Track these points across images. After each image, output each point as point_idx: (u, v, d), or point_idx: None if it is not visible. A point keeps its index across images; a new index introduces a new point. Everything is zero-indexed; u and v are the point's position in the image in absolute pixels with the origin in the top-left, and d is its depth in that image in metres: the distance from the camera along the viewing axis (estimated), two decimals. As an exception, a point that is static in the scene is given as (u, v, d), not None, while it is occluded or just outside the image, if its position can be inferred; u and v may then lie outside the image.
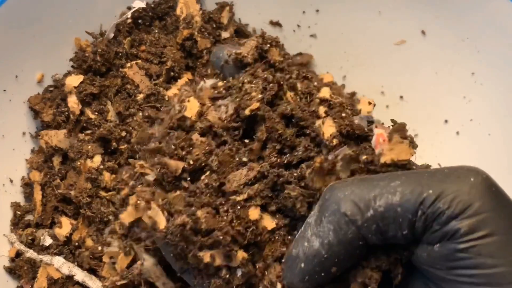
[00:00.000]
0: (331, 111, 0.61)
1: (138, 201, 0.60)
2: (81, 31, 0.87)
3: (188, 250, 0.57)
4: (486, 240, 0.47)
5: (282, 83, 0.63)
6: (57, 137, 0.82)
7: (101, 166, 0.81)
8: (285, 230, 0.59)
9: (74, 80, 0.83)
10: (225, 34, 0.88)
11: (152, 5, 0.89)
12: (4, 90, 0.83)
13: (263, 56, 0.67)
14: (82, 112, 0.83)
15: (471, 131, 0.84)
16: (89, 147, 0.81)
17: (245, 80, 0.63)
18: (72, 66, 0.86)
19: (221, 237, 0.55)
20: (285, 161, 0.59)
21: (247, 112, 0.60)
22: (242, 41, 0.68)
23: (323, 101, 0.63)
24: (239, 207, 0.57)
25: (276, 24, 0.90)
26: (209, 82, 0.66)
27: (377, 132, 0.57)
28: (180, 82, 0.84)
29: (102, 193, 0.79)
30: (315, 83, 0.66)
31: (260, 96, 0.61)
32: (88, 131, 0.83)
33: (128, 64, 0.85)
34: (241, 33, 0.90)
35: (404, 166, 0.56)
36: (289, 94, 0.63)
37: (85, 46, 0.86)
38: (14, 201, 0.83)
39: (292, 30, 0.90)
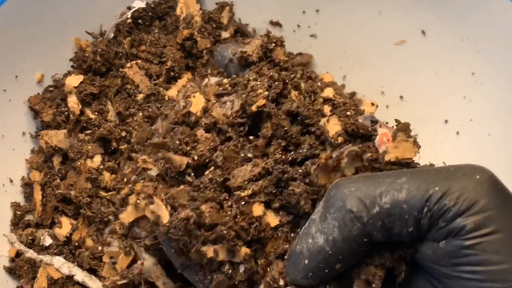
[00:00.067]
0: (336, 110, 0.62)
1: (138, 201, 0.60)
2: (81, 31, 0.86)
3: (191, 245, 0.57)
4: (492, 237, 0.48)
5: (287, 81, 0.63)
6: (57, 137, 0.82)
7: (101, 166, 0.80)
8: (288, 227, 0.59)
9: (74, 80, 0.83)
10: (225, 34, 0.88)
11: (152, 5, 0.89)
12: (4, 90, 0.82)
13: (268, 55, 0.67)
14: (82, 112, 0.83)
15: (471, 131, 0.84)
16: (89, 147, 0.81)
17: (251, 78, 0.63)
18: (72, 66, 0.86)
19: (225, 232, 0.56)
20: (290, 158, 0.59)
21: (253, 108, 0.61)
22: (246, 40, 0.69)
23: (326, 100, 0.63)
24: (243, 203, 0.57)
25: (276, 24, 0.90)
26: (214, 79, 0.66)
27: (381, 132, 0.57)
28: (180, 82, 0.84)
29: (102, 193, 0.79)
30: (319, 83, 0.66)
31: (266, 93, 0.61)
32: (88, 131, 0.83)
33: (128, 64, 0.85)
34: (241, 33, 0.90)
35: (408, 164, 0.56)
36: (293, 93, 0.63)
37: (85, 46, 0.86)
38: (14, 201, 0.83)
39: (292, 30, 0.90)
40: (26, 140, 0.86)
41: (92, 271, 0.77)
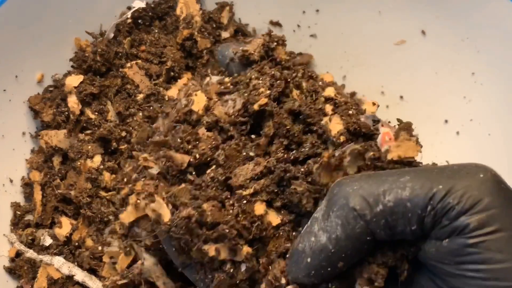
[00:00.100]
0: (337, 109, 0.62)
1: (138, 201, 0.60)
2: (81, 31, 0.86)
3: (192, 243, 0.57)
4: (495, 235, 0.48)
5: (289, 80, 0.63)
6: (57, 137, 0.82)
7: (101, 166, 0.80)
8: (290, 226, 0.59)
9: (74, 80, 0.83)
10: (225, 34, 0.88)
11: (152, 5, 0.89)
12: (4, 90, 0.82)
13: (269, 54, 0.67)
14: (82, 112, 0.83)
15: (471, 131, 0.84)
16: (89, 147, 0.81)
17: (253, 76, 0.63)
18: (72, 66, 0.86)
19: (227, 231, 0.55)
20: (292, 157, 0.59)
21: (255, 107, 0.60)
22: (247, 39, 0.69)
23: (328, 99, 0.63)
24: (245, 202, 0.57)
25: (276, 24, 0.90)
26: (215, 77, 0.66)
27: (383, 131, 0.57)
28: (180, 82, 0.84)
29: (102, 193, 0.79)
30: (320, 82, 0.66)
31: (268, 92, 0.61)
32: (88, 131, 0.83)
33: (128, 64, 0.85)
34: (241, 33, 0.90)
35: (410, 163, 0.56)
36: (295, 92, 0.63)
37: (85, 46, 0.86)
38: (14, 201, 0.83)
39: (292, 30, 0.90)
40: (26, 140, 0.85)
41: (92, 271, 0.77)
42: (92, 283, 0.76)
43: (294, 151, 0.60)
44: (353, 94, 0.89)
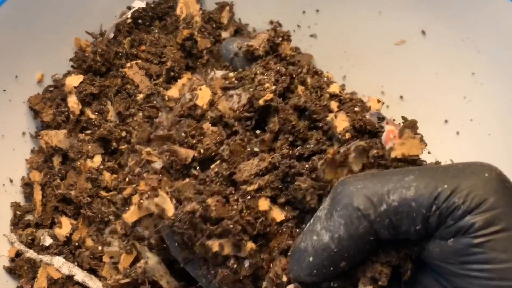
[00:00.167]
0: (343, 105, 0.62)
1: (141, 201, 0.60)
2: (81, 31, 0.86)
3: (196, 238, 0.56)
4: (500, 235, 0.48)
5: (294, 76, 0.63)
6: (57, 137, 0.82)
7: (101, 166, 0.80)
8: (293, 222, 0.58)
9: (74, 80, 0.83)
10: (225, 34, 0.88)
11: (152, 5, 0.89)
12: (4, 90, 0.82)
13: (274, 49, 0.67)
14: (82, 112, 0.83)
15: (471, 131, 0.84)
16: (89, 147, 0.81)
17: (258, 71, 0.63)
18: (72, 66, 0.86)
19: (231, 226, 0.55)
20: (297, 153, 0.59)
21: (261, 102, 0.60)
22: (252, 34, 0.69)
23: (333, 96, 0.63)
24: (249, 197, 0.57)
25: (276, 24, 0.90)
26: (220, 72, 0.66)
27: (388, 128, 0.57)
28: (180, 82, 0.84)
29: (103, 193, 0.79)
30: (325, 79, 0.66)
31: (273, 87, 0.61)
32: (88, 131, 0.83)
33: (128, 64, 0.85)
34: (241, 33, 0.90)
35: (414, 161, 0.56)
36: (300, 88, 0.63)
37: (85, 46, 0.86)
38: (14, 201, 0.83)
39: (292, 30, 0.90)
40: (26, 140, 0.85)
41: (92, 271, 0.77)
42: (92, 283, 0.75)
43: (299, 147, 0.60)
44: (353, 94, 0.89)
